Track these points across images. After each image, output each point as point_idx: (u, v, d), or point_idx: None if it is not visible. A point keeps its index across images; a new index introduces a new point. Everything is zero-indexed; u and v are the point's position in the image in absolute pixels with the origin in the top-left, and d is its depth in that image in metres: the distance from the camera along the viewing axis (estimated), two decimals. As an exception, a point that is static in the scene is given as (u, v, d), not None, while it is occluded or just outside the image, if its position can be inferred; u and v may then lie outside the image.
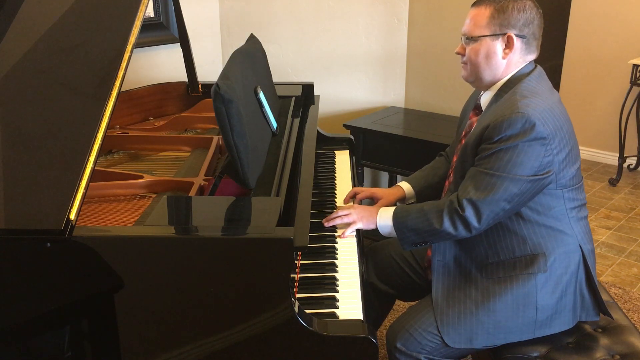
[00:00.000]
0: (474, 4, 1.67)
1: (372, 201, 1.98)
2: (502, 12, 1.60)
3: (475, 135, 1.60)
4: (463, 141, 1.75)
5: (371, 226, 1.71)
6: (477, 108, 1.75)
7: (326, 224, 1.75)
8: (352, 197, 1.97)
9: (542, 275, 1.60)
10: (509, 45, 1.61)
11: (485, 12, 1.62)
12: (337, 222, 1.75)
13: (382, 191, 1.98)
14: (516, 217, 1.60)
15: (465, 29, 1.66)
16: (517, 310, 1.60)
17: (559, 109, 1.59)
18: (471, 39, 1.64)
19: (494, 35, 1.61)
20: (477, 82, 1.70)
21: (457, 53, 1.70)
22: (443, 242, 1.68)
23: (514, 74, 1.64)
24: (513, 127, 1.50)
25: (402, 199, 1.98)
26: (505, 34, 1.61)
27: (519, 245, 1.62)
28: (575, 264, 1.63)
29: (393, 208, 1.69)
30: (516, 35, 1.60)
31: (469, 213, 1.54)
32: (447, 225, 1.56)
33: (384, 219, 1.69)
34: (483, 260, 1.66)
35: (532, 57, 1.66)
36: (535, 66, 1.68)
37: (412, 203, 1.98)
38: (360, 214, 1.73)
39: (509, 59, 1.63)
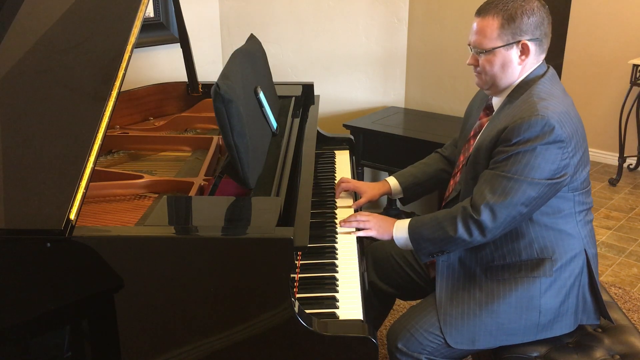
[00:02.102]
0: (478, 14, 1.61)
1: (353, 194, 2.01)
2: (512, 20, 1.55)
3: (490, 137, 1.58)
4: (472, 141, 1.74)
5: (385, 237, 1.71)
6: (488, 109, 1.73)
7: (342, 225, 1.76)
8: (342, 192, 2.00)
9: (546, 279, 1.59)
10: (524, 51, 1.58)
11: (493, 22, 1.57)
12: (354, 225, 1.75)
13: (367, 185, 2.00)
14: (524, 220, 1.59)
15: (475, 41, 1.61)
16: (520, 313, 1.60)
17: (574, 112, 1.58)
18: (484, 52, 1.60)
19: (508, 45, 1.58)
20: (494, 88, 1.66)
21: (470, 64, 1.66)
22: (459, 249, 1.65)
23: (527, 75, 1.62)
24: (532, 129, 1.48)
25: (388, 194, 2.00)
26: (519, 41, 1.57)
27: (525, 249, 1.61)
28: (579, 267, 1.63)
29: (409, 220, 1.68)
30: (529, 40, 1.57)
31: (485, 217, 1.51)
32: (461, 231, 1.55)
33: (400, 230, 1.68)
34: (488, 262, 1.65)
35: (544, 55, 1.64)
36: (548, 67, 1.65)
37: (400, 199, 2.00)
38: (377, 224, 1.73)
39: (525, 62, 1.60)
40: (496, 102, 1.69)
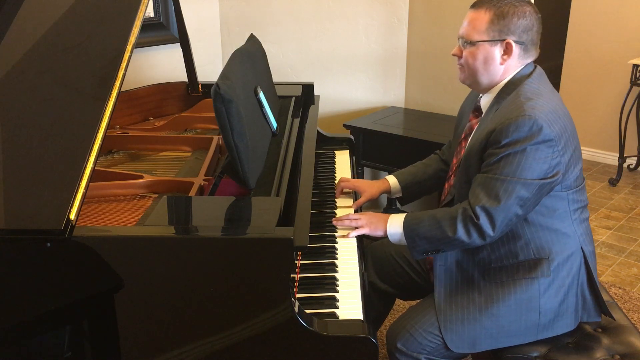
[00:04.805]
0: (473, 6, 1.64)
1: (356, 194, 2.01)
2: (502, 17, 1.58)
3: (480, 139, 1.58)
4: (464, 144, 1.74)
5: (378, 233, 1.70)
6: (477, 110, 1.73)
7: (335, 224, 1.76)
8: (341, 191, 2.00)
9: (544, 279, 1.59)
10: (507, 51, 1.60)
11: (484, 16, 1.59)
12: (346, 224, 1.75)
13: (366, 184, 1.99)
14: (520, 221, 1.59)
15: (464, 32, 1.64)
16: (520, 314, 1.59)
17: (562, 110, 1.58)
18: (469, 43, 1.62)
19: (493, 41, 1.60)
20: (474, 85, 1.69)
21: (454, 55, 1.68)
22: (455, 250, 1.66)
23: (514, 76, 1.63)
24: (520, 130, 1.48)
25: (388, 193, 1.99)
26: (504, 40, 1.59)
27: (522, 250, 1.61)
28: (577, 266, 1.63)
29: (404, 215, 1.67)
30: (515, 42, 1.59)
31: (483, 221, 1.52)
32: (460, 233, 1.54)
33: (394, 226, 1.66)
34: (486, 265, 1.65)
35: (531, 59, 1.65)
36: (535, 67, 1.66)
37: (398, 198, 2.00)
38: (369, 220, 1.72)
39: (507, 64, 1.62)
40: (484, 103, 1.69)
